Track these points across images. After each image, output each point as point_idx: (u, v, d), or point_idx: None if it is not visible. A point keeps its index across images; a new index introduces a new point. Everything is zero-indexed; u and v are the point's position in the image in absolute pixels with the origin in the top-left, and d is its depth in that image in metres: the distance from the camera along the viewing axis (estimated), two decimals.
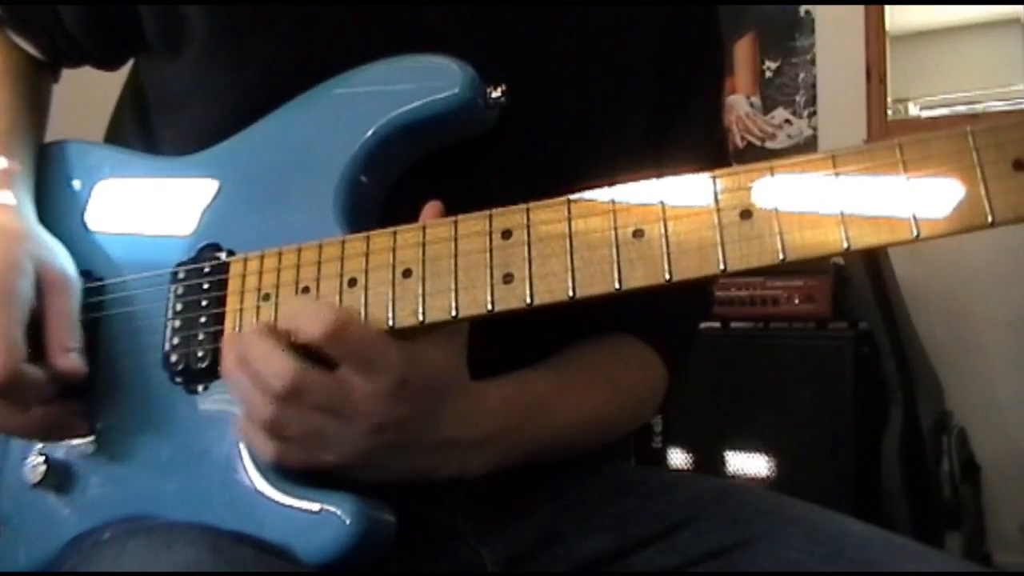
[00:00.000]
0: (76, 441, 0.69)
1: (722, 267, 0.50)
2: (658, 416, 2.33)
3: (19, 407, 0.65)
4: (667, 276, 0.51)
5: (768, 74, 2.94)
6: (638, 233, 0.52)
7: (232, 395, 0.60)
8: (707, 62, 0.84)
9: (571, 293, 0.53)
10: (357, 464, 0.58)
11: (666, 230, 0.52)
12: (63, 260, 0.70)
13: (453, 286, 0.56)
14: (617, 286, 0.52)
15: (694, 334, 0.85)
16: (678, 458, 2.38)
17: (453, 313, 0.56)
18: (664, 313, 0.78)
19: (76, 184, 0.77)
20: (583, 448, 0.74)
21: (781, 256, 0.49)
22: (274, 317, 0.61)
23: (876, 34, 2.79)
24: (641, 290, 0.52)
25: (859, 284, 2.25)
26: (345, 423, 0.56)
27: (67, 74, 0.89)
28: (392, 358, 0.55)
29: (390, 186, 0.67)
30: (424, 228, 0.58)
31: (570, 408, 0.69)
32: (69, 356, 0.65)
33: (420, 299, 0.57)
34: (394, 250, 0.58)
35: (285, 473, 0.60)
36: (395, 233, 0.59)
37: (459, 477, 0.62)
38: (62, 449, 0.69)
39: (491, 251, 0.56)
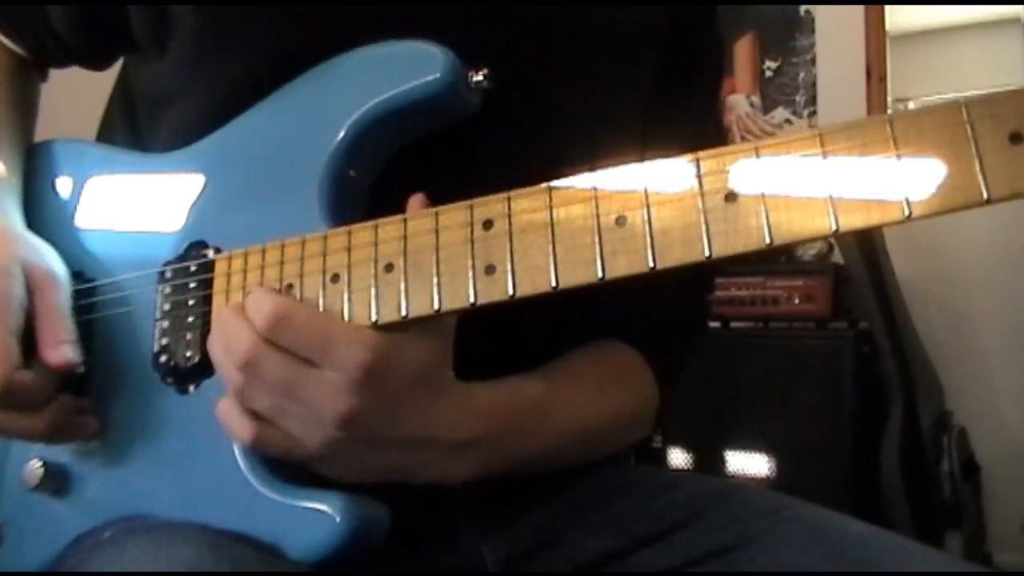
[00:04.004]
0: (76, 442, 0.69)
1: (707, 254, 0.48)
2: None
3: (24, 411, 0.65)
4: (651, 264, 0.49)
5: (768, 74, 2.94)
6: (620, 220, 0.51)
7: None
8: (707, 63, 0.84)
9: (554, 283, 0.52)
10: (327, 456, 0.57)
11: (649, 216, 0.50)
12: (49, 258, 0.69)
13: (435, 279, 0.55)
14: (600, 275, 0.51)
15: (688, 350, 0.83)
16: (678, 458, 2.38)
17: (436, 307, 0.55)
18: (658, 322, 0.77)
19: (63, 183, 0.77)
20: (574, 461, 0.73)
21: (768, 240, 0.47)
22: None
23: (876, 34, 2.79)
24: (625, 279, 0.51)
25: (859, 284, 2.25)
26: (307, 410, 0.55)
27: (60, 73, 0.88)
28: (355, 347, 0.54)
29: (374, 176, 0.66)
30: (405, 221, 0.57)
31: (561, 419, 0.67)
32: (60, 349, 0.65)
33: (403, 294, 0.56)
34: (376, 244, 0.57)
35: (276, 471, 0.60)
36: (376, 227, 0.58)
37: (440, 482, 0.61)
38: (60, 452, 0.69)
39: (472, 242, 0.54)
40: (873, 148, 0.45)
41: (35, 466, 0.68)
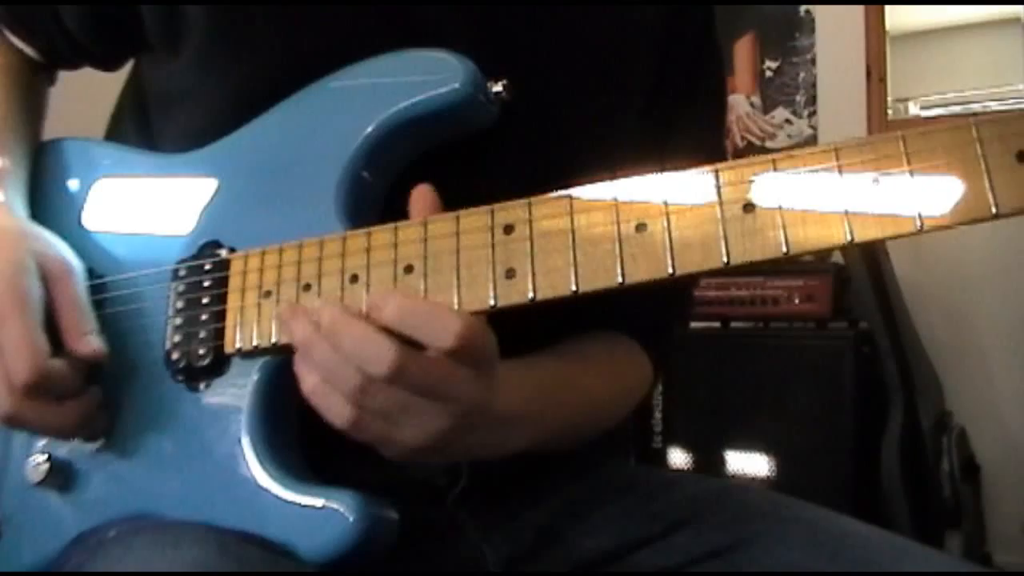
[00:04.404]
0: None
1: (725, 260, 0.50)
2: (658, 416, 2.33)
3: (52, 403, 0.65)
4: (670, 270, 0.51)
5: (768, 74, 2.94)
6: (640, 227, 0.52)
7: (307, 363, 0.56)
8: (708, 65, 0.84)
9: (574, 288, 0.53)
10: (426, 446, 0.56)
11: (669, 224, 0.52)
12: (63, 250, 0.70)
13: (455, 282, 0.56)
14: (620, 280, 0.52)
15: (675, 332, 0.86)
16: (678, 458, 2.38)
17: (456, 309, 0.55)
18: (647, 312, 0.78)
19: (75, 182, 0.77)
20: (585, 436, 0.74)
21: (784, 249, 0.49)
22: (363, 302, 0.58)
23: (876, 34, 2.79)
24: (644, 285, 0.52)
25: (859, 284, 2.24)
26: (434, 404, 0.54)
27: (68, 74, 0.89)
28: (490, 347, 0.55)
29: (391, 181, 0.66)
30: (426, 224, 0.58)
31: (577, 393, 0.69)
32: (87, 339, 0.65)
33: (423, 295, 0.56)
34: (396, 246, 0.58)
35: (288, 470, 0.60)
36: (396, 229, 0.59)
37: (496, 456, 0.61)
38: (65, 447, 0.69)
39: (493, 246, 0.55)
40: (886, 164, 0.47)
41: (39, 461, 0.68)
